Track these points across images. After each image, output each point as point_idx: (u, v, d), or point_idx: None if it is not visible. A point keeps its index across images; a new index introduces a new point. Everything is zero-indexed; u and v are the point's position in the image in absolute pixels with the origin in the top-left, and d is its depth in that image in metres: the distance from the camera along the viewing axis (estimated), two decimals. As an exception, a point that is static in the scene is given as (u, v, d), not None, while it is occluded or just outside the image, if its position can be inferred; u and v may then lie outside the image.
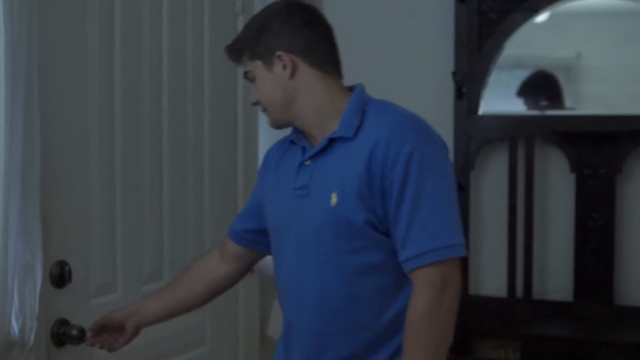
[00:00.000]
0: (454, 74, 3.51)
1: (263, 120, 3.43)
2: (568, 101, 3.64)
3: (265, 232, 2.16)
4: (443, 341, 1.88)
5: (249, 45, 2.02)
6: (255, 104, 2.06)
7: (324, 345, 1.98)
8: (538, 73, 3.55)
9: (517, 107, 3.54)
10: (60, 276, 2.34)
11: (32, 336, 2.13)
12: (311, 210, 1.96)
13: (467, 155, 3.53)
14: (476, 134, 3.52)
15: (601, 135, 3.36)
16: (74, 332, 2.27)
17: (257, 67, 2.01)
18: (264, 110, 2.06)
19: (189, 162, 2.93)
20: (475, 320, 3.54)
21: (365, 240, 1.91)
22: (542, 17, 3.50)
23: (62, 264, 2.35)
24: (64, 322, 2.33)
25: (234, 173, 3.21)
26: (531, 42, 3.56)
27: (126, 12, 2.61)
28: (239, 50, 2.04)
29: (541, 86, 3.59)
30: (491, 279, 3.58)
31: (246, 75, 2.06)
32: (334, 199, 1.92)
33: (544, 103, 3.58)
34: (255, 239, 2.24)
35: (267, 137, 3.45)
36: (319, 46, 2.01)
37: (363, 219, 1.89)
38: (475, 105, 3.52)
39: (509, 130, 3.50)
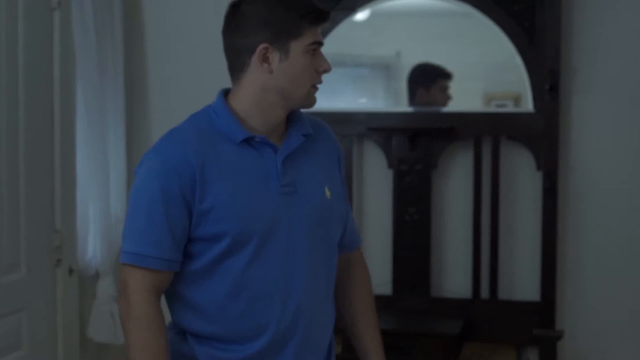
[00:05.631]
0: (274, 71, 3.52)
1: (80, 117, 3.35)
2: (388, 99, 3.72)
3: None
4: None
5: None
6: None
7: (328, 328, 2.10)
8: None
9: (336, 104, 3.55)
10: None
11: None
12: (305, 204, 1.99)
13: (289, 152, 3.54)
14: (297, 130, 3.54)
15: (416, 132, 3.44)
16: None
17: None
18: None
19: (2, 159, 2.83)
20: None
21: None
22: (361, 16, 3.55)
23: None
24: None
25: (51, 170, 3.11)
26: (351, 40, 3.60)
27: None
28: None
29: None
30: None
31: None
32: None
33: None
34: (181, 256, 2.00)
35: (84, 133, 3.37)
36: None
37: None
38: (297, 102, 3.53)
39: (328, 127, 3.54)
